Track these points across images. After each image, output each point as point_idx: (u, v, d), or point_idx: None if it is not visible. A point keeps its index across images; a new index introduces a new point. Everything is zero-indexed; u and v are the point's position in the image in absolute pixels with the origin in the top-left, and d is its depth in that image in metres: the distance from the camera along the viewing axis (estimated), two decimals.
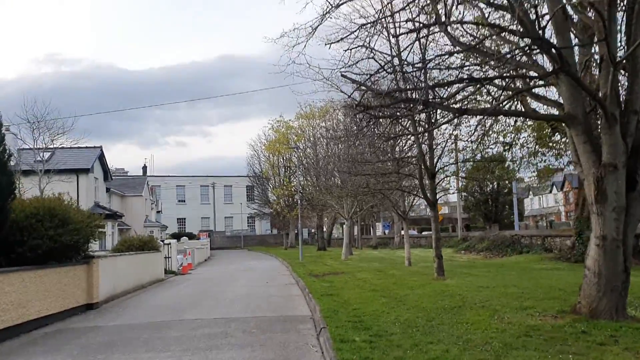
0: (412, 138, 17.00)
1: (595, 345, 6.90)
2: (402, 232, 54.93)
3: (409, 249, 22.37)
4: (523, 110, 13.35)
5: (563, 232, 26.61)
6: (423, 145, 15.81)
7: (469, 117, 19.12)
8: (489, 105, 20.67)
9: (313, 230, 74.28)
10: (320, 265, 25.54)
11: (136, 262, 20.36)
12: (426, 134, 15.50)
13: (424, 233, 63.63)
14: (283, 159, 55.03)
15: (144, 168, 78.84)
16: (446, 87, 10.50)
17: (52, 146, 34.97)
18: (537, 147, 20.38)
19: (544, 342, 7.07)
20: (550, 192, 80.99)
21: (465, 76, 9.52)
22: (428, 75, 14.87)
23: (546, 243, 26.07)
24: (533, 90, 11.59)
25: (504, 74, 8.77)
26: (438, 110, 14.03)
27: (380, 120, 13.44)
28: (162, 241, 31.92)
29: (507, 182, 60.89)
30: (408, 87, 8.57)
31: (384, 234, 62.29)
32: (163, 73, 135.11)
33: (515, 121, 20.28)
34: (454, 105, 14.55)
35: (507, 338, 7.36)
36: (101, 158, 36.30)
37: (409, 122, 15.71)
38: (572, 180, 59.66)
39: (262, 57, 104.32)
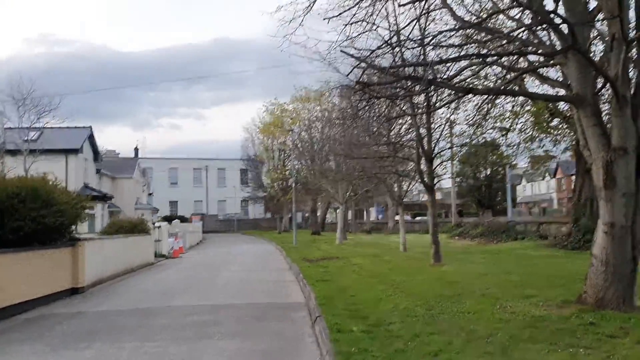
0: (410, 121, 16.53)
1: (605, 337, 6.54)
2: (397, 217, 54.84)
3: (405, 235, 22.03)
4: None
5: (558, 219, 26.38)
6: (421, 129, 15.35)
7: (467, 101, 18.73)
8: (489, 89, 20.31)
9: (307, 215, 73.93)
10: (314, 250, 25.18)
11: (125, 245, 19.88)
12: (424, 117, 15.03)
13: (417, 218, 63.45)
14: (278, 142, 54.41)
15: (136, 150, 77.58)
16: (448, 66, 10.02)
17: (40, 125, 34.34)
18: (534, 132, 20.01)
19: (552, 335, 6.70)
20: (543, 179, 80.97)
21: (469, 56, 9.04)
22: (427, 55, 14.40)
23: (541, 230, 25.83)
24: (538, 71, 11.15)
25: (513, 51, 8.27)
26: (437, 92, 13.60)
27: (378, 101, 12.99)
28: (153, 224, 31.46)
29: (500, 168, 60.83)
30: (411, 62, 8.04)
31: (377, 219, 62.10)
32: (158, 55, 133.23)
33: (513, 106, 19.90)
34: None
35: (512, 329, 6.98)
36: (91, 138, 35.55)
37: (406, 104, 15.25)
38: (568, 167, 59.54)
39: (258, 40, 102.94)
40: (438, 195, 72.96)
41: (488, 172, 64.31)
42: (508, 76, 9.37)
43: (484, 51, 10.75)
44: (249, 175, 65.15)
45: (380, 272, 13.96)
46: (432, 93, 11.36)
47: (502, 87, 7.82)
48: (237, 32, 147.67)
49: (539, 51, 9.10)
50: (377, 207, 66.91)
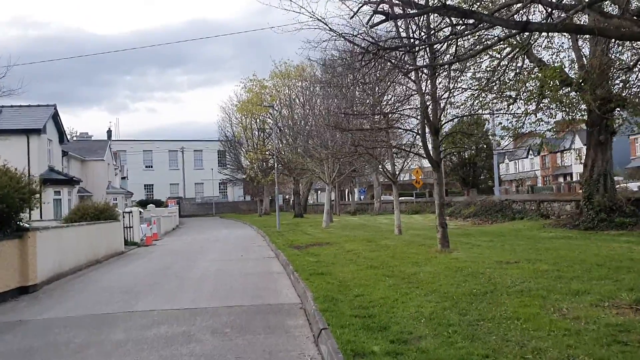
0: (409, 87, 14.50)
1: None
2: (383, 197, 53.10)
3: (399, 216, 20.17)
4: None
5: (562, 196, 24.84)
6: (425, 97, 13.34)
7: (473, 64, 16.75)
8: (490, 59, 18.38)
9: (287, 197, 71.90)
10: (300, 235, 23.22)
11: (89, 233, 17.64)
12: (428, 83, 13.03)
13: (401, 198, 61.95)
14: (257, 120, 51.94)
15: (109, 132, 74.38)
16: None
17: None
18: (541, 101, 18.17)
19: None
20: (527, 157, 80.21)
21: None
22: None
23: (542, 208, 24.26)
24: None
25: None
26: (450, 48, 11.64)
27: (377, 62, 10.94)
28: (126, 207, 29.09)
29: (484, 145, 59.32)
30: None
31: (359, 199, 60.32)
32: (134, 37, 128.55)
33: (516, 74, 18.05)
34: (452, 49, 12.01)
35: (593, 347, 5.11)
36: (55, 117, 32.72)
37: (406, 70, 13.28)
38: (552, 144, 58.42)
39: (235, 21, 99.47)
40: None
41: (473, 149, 63.00)
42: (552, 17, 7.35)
43: None
44: (227, 157, 62.58)
45: (382, 261, 12.06)
46: (449, 44, 9.39)
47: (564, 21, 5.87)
48: (214, 13, 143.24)
49: None
50: (359, 188, 65.21)
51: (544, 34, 17.75)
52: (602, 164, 17.55)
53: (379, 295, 8.09)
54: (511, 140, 18.10)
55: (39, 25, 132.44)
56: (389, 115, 16.13)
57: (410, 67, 10.35)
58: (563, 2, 6.59)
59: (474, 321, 6.35)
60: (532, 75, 18.11)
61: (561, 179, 66.86)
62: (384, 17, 5.32)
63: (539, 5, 7.01)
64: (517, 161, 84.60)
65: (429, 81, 12.83)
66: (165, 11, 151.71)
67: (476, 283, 8.60)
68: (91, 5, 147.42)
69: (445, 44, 11.11)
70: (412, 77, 12.95)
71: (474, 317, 6.54)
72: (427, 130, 13.16)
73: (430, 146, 13.15)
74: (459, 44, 11.53)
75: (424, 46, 9.27)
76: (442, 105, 13.84)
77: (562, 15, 6.78)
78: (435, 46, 10.07)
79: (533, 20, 8.60)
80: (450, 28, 9.92)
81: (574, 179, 61.57)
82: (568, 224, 18.26)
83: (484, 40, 15.34)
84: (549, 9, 6.43)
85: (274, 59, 73.27)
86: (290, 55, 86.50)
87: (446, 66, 12.19)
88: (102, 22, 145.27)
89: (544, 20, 6.16)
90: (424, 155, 13.29)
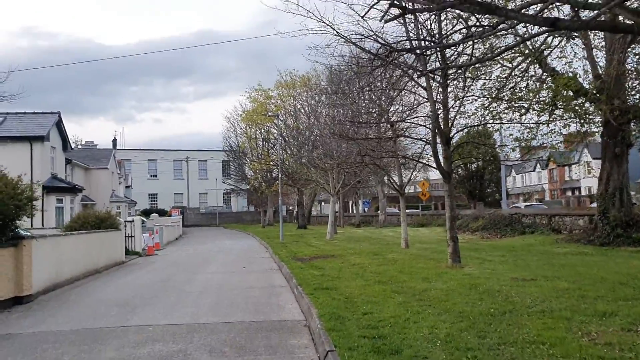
0: (422, 94, 14.05)
1: None
2: (388, 210, 52.47)
3: (407, 229, 19.62)
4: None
5: (574, 210, 24.24)
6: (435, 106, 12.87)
7: (483, 73, 16.30)
8: (501, 68, 17.93)
9: (291, 208, 71.34)
10: (304, 246, 22.68)
11: (89, 242, 17.19)
12: (440, 90, 12.57)
13: (407, 211, 61.24)
14: (261, 131, 51.59)
15: (114, 141, 74.30)
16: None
17: (2, 111, 31.25)
18: (554, 111, 17.66)
19: None
20: (534, 170, 79.42)
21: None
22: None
23: (553, 223, 23.63)
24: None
25: None
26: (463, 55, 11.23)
27: (385, 69, 10.52)
28: (129, 216, 28.69)
29: (491, 157, 58.70)
30: None
31: (363, 211, 59.69)
32: (140, 48, 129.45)
33: (527, 84, 17.61)
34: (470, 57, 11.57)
35: None
36: (59, 125, 32.43)
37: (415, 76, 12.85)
38: (559, 157, 57.74)
39: (242, 33, 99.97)
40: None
41: (481, 161, 62.33)
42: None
43: None
44: (231, 167, 62.21)
45: (391, 276, 11.53)
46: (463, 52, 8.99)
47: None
48: (220, 25, 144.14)
49: None
50: (363, 200, 64.64)
51: (555, 42, 17.34)
52: (617, 178, 16.97)
53: (388, 314, 7.56)
54: (525, 151, 17.52)
55: (48, 36, 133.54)
56: (397, 125, 15.65)
57: (424, 71, 9.85)
58: (589, 2, 6.11)
59: (494, 345, 5.82)
60: (545, 86, 17.66)
61: (569, 193, 66.09)
62: (400, 12, 4.87)
63: (564, 7, 6.56)
64: (524, 174, 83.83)
65: (440, 89, 12.36)
66: (172, 23, 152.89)
67: (493, 302, 8.06)
68: (99, 17, 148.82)
69: (458, 48, 10.70)
70: (423, 85, 12.49)
71: (494, 340, 6.01)
72: (437, 140, 12.67)
73: (440, 157, 12.64)
74: (472, 48, 11.14)
75: (437, 48, 8.82)
76: (452, 114, 13.37)
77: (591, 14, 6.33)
78: (447, 51, 9.63)
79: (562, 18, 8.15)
80: (460, 34, 9.50)
81: (583, 193, 60.81)
82: (582, 239, 17.64)
83: (495, 49, 14.96)
84: (576, 9, 5.96)
85: (279, 69, 72.75)
86: (295, 67, 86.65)
87: (458, 71, 11.76)
88: (109, 34, 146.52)
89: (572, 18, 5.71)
90: (434, 166, 12.77)
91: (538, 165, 76.10)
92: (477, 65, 11.92)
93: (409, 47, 8.36)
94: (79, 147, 59.79)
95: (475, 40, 9.37)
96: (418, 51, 7.50)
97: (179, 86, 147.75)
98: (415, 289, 9.62)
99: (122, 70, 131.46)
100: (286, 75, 44.84)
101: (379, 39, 7.75)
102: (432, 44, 8.97)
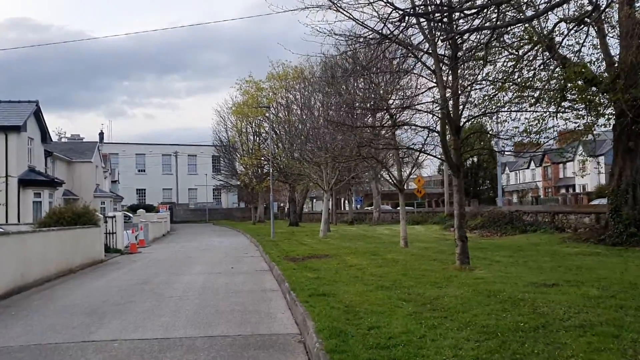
0: (422, 80, 12.85)
1: None
2: (383, 207, 51.37)
3: (406, 227, 18.45)
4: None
5: (579, 208, 23.22)
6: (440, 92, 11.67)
7: (493, 59, 15.20)
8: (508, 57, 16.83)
9: (282, 204, 70.03)
10: (296, 245, 21.45)
11: (62, 240, 15.86)
12: (450, 73, 11.39)
13: (398, 208, 60.10)
14: (252, 124, 50.22)
15: (101, 134, 72.74)
16: None
17: None
18: (561, 102, 16.55)
19: None
20: (528, 167, 78.69)
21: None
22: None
23: (556, 221, 22.60)
24: None
25: None
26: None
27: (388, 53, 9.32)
28: (114, 212, 27.30)
29: (485, 155, 57.68)
30: None
31: (356, 209, 58.55)
32: (132, 43, 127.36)
33: (534, 72, 16.50)
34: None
35: None
36: (37, 115, 30.86)
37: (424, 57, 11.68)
38: (554, 155, 56.81)
39: (233, 28, 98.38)
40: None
41: (475, 160, 61.42)
42: None
43: None
44: (221, 163, 60.77)
45: (394, 280, 10.35)
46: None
47: None
48: (212, 20, 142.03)
49: None
50: (355, 197, 63.54)
51: (566, 29, 16.22)
52: (630, 173, 15.90)
53: (399, 329, 6.37)
54: (531, 144, 16.41)
55: (38, 29, 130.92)
56: (398, 114, 14.45)
57: (433, 38, 8.66)
58: None
59: None
60: (555, 75, 16.55)
61: (563, 190, 65.38)
62: None
63: None
64: (517, 172, 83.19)
65: (449, 71, 11.18)
66: (164, 18, 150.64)
67: (519, 313, 6.89)
68: (91, 10, 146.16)
69: (472, 20, 9.58)
70: (432, 67, 11.28)
71: None
72: (446, 129, 11.48)
73: (450, 148, 11.44)
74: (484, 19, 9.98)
75: (448, 13, 7.67)
76: (462, 100, 12.22)
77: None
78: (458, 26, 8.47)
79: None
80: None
81: (577, 191, 60.01)
82: (591, 239, 16.56)
83: (502, 35, 13.86)
84: None
85: (271, 60, 70.99)
86: (288, 59, 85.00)
87: (469, 54, 10.60)
88: (101, 27, 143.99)
89: None
90: (442, 158, 11.59)
91: (532, 163, 75.41)
92: (491, 40, 10.76)
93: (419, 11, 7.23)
94: (64, 139, 58.08)
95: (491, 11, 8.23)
96: (429, 15, 6.35)
97: (171, 81, 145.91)
98: (425, 296, 8.44)
99: (113, 65, 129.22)
100: (278, 66, 43.53)
101: (389, 3, 6.53)
102: (445, 6, 7.86)
